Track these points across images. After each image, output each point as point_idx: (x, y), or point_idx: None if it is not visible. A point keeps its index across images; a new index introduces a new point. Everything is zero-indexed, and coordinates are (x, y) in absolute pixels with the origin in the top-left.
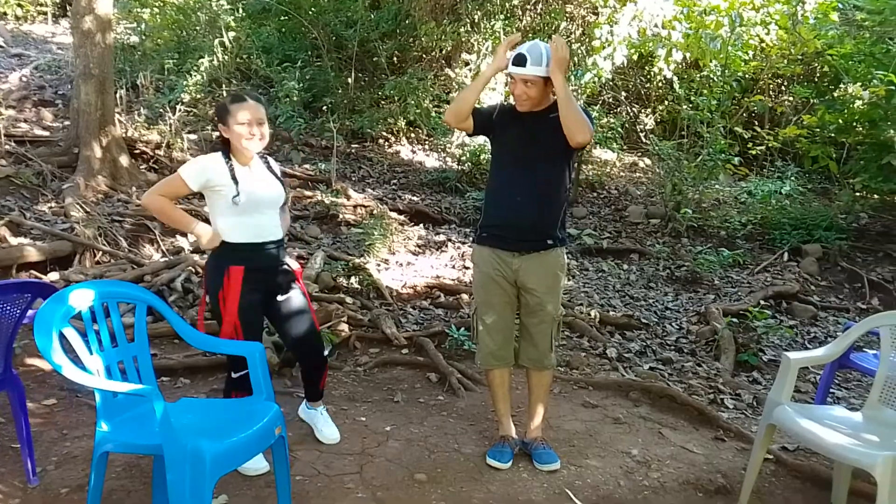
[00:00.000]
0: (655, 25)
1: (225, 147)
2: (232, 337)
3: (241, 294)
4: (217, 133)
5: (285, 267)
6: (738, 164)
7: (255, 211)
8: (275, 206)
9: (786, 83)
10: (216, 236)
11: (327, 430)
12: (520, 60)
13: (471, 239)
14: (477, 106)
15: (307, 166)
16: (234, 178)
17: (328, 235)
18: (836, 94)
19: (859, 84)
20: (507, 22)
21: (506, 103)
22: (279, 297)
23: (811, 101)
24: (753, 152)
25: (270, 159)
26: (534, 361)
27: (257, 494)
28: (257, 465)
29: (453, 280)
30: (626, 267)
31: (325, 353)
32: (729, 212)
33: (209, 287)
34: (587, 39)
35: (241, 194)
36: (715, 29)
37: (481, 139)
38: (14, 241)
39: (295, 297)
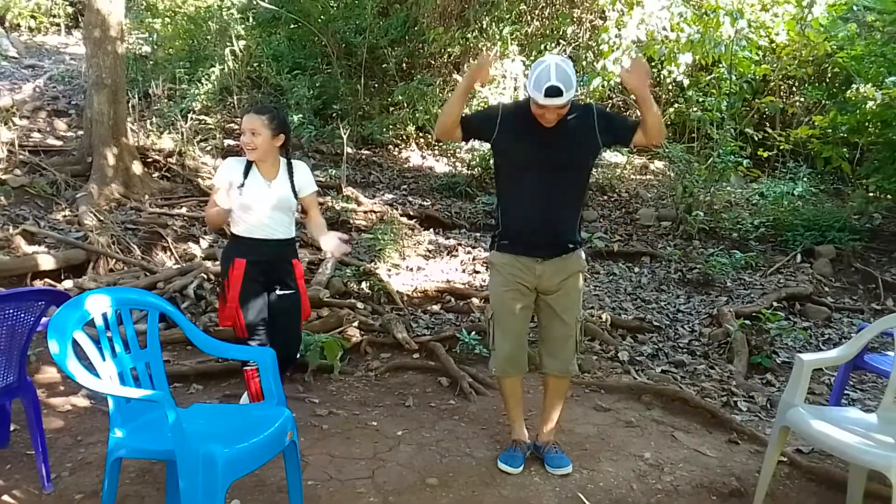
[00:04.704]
0: (664, 28)
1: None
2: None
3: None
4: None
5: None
6: (749, 165)
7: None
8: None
9: (797, 84)
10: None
11: None
12: (554, 92)
13: (483, 244)
14: (466, 113)
15: (318, 173)
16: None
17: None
18: (847, 95)
19: (871, 84)
20: (515, 27)
21: (511, 106)
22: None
23: (823, 102)
24: (765, 154)
25: (299, 164)
26: (558, 370)
27: (269, 499)
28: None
29: (464, 284)
30: (637, 270)
31: (296, 355)
32: (741, 214)
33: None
34: (595, 44)
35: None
36: (715, 28)
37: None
38: (29, 249)
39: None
